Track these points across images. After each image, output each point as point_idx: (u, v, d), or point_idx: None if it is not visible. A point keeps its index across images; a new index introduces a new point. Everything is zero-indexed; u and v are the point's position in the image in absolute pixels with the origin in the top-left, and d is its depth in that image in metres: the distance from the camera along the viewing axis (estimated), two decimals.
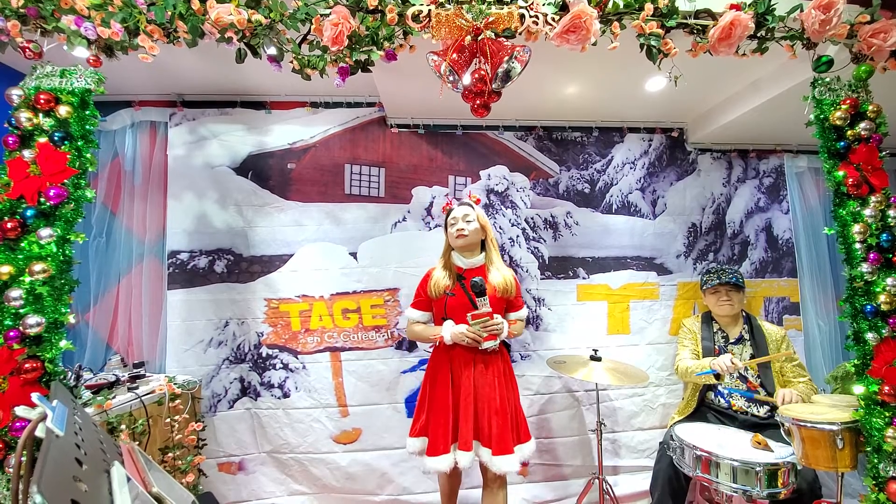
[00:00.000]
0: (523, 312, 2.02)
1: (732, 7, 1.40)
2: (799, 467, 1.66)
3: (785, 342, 2.17)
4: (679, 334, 2.43)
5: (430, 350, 2.04)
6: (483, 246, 1.96)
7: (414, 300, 2.03)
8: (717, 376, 2.00)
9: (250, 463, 2.39)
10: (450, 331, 1.82)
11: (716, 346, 2.26)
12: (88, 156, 1.38)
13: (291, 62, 1.46)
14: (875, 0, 1.47)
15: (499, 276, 1.89)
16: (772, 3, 1.43)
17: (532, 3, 1.38)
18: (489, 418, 1.77)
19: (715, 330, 2.30)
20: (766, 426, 2.00)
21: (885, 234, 1.46)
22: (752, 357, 2.16)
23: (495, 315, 1.79)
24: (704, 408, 2.22)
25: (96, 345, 2.30)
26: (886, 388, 1.39)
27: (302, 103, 2.50)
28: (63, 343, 1.28)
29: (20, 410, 0.85)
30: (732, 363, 1.97)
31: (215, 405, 2.36)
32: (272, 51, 1.41)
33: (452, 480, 1.97)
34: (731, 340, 2.24)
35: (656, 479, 2.08)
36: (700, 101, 2.40)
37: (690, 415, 2.20)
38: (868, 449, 1.43)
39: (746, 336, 2.22)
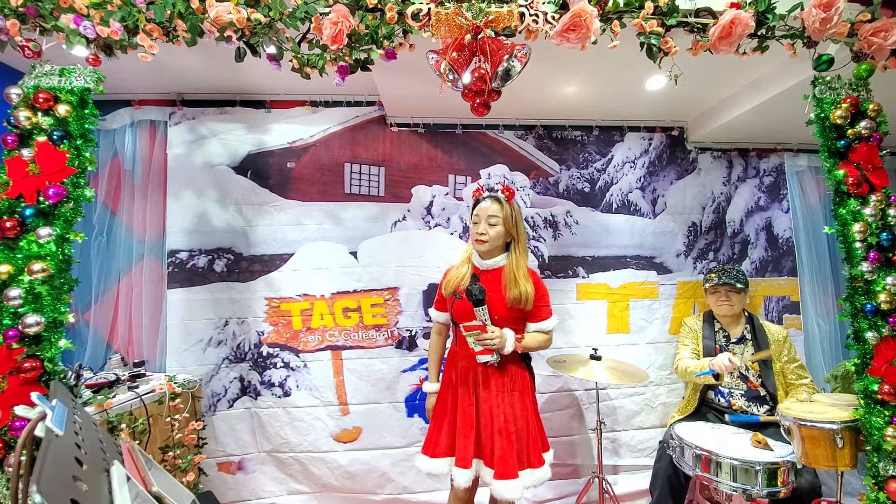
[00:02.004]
0: (546, 324, 1.77)
1: (733, 5, 1.40)
2: (799, 466, 1.66)
3: (787, 342, 2.16)
4: (680, 333, 2.43)
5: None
6: (508, 245, 1.78)
7: (436, 299, 1.95)
8: (717, 377, 1.99)
9: (250, 462, 2.39)
10: (429, 389, 1.92)
11: (717, 346, 2.25)
12: (88, 155, 1.38)
13: (291, 61, 1.46)
14: None
15: (514, 284, 1.69)
16: (772, 1, 1.42)
17: (532, 2, 1.37)
18: (492, 437, 1.64)
19: (716, 329, 2.30)
20: (767, 425, 2.00)
21: (885, 233, 1.46)
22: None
23: (493, 328, 1.64)
24: (705, 407, 2.22)
25: (96, 344, 2.30)
26: (886, 386, 1.39)
27: (301, 102, 2.50)
28: (62, 342, 1.28)
29: (19, 410, 0.84)
30: (731, 361, 1.94)
31: (215, 404, 2.37)
32: (271, 49, 1.41)
33: None
34: (733, 340, 2.24)
35: (656, 477, 2.08)
36: (700, 99, 2.39)
37: (691, 414, 2.20)
38: (868, 448, 1.43)
39: (748, 336, 2.22)
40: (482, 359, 1.65)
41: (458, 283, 1.76)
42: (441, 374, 1.91)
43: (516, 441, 1.65)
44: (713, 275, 2.33)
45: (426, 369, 2.28)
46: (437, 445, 1.72)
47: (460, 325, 1.67)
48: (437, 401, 1.84)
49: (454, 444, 1.70)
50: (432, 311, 1.96)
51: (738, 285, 2.23)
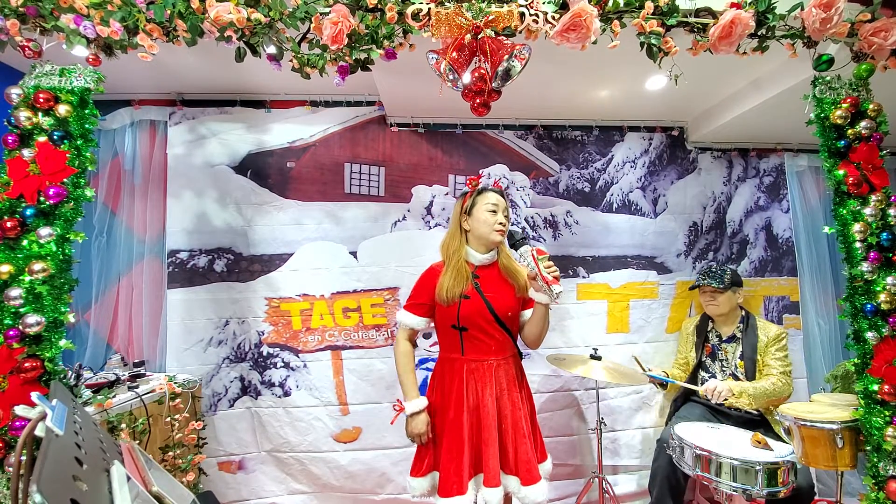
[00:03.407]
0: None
1: (733, 5, 1.40)
2: (798, 466, 1.67)
3: (777, 340, 2.13)
4: (679, 337, 2.46)
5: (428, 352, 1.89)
6: None
7: (411, 302, 1.67)
8: (663, 385, 2.21)
9: (250, 462, 2.39)
10: (417, 408, 1.56)
11: (708, 344, 2.28)
12: (88, 155, 1.38)
13: (291, 61, 1.46)
14: None
15: (518, 273, 1.67)
16: (772, 1, 1.42)
17: (532, 2, 1.37)
18: (515, 442, 1.53)
19: (710, 328, 2.32)
20: (760, 423, 2.01)
21: (885, 233, 1.46)
22: (742, 356, 2.17)
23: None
24: (694, 402, 2.24)
25: (97, 344, 2.30)
26: (886, 386, 1.39)
27: (302, 102, 2.50)
28: (63, 342, 1.28)
29: (20, 409, 0.85)
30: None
31: (215, 404, 2.37)
32: (272, 49, 1.41)
33: None
34: (724, 339, 2.26)
35: (654, 476, 2.08)
36: (700, 99, 2.39)
37: (683, 409, 2.22)
38: (868, 448, 1.44)
39: (739, 335, 2.23)
40: (557, 289, 1.51)
41: (463, 283, 1.58)
42: (429, 393, 1.68)
43: (531, 439, 1.59)
44: (700, 276, 2.34)
45: (426, 370, 2.27)
46: (462, 480, 1.47)
47: (533, 251, 1.51)
48: (449, 427, 1.55)
49: (475, 464, 1.53)
50: (407, 316, 1.65)
51: (720, 286, 2.21)
